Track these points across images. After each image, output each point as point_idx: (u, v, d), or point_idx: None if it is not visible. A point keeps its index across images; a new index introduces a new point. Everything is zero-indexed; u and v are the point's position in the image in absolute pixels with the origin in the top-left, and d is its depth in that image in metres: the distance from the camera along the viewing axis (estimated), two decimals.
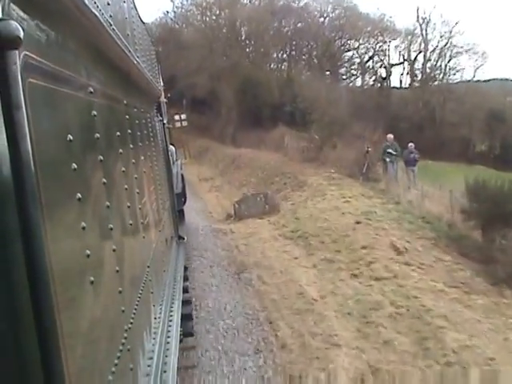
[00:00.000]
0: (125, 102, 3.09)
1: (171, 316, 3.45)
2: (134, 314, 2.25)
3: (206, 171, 23.02)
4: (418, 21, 30.97)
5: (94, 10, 1.83)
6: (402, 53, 32.02)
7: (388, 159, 15.44)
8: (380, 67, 32.68)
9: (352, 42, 32.93)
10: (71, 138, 1.55)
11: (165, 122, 8.11)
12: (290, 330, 6.73)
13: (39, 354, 1.08)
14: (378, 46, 32.35)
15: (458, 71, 31.20)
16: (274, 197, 14.22)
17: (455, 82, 31.21)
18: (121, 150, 2.59)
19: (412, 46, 31.68)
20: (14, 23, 0.99)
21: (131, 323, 2.11)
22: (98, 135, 1.99)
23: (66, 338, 1.18)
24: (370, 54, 32.79)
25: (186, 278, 6.22)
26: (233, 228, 12.60)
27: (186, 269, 6.69)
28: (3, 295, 1.06)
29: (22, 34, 0.99)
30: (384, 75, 32.24)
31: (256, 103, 27.45)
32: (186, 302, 5.26)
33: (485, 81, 32.16)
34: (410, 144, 15.87)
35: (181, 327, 3.87)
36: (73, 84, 1.69)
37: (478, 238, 10.15)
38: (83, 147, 1.75)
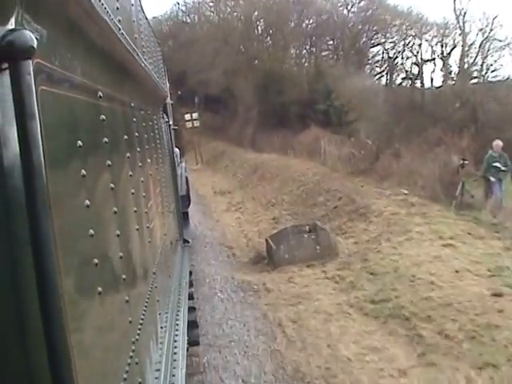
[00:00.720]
0: (132, 104, 3.07)
1: (177, 325, 3.41)
2: (141, 324, 2.21)
3: (222, 181, 19.08)
4: (454, 11, 28.50)
5: (104, 16, 1.82)
6: (434, 48, 29.57)
7: (492, 177, 11.18)
8: (410, 64, 30.17)
9: (379, 36, 30.81)
10: (81, 143, 1.53)
11: (171, 123, 8.14)
12: None
13: (48, 369, 1.05)
14: (407, 41, 30.17)
15: (496, 68, 28.09)
16: (328, 232, 9.55)
17: (495, 80, 27.78)
18: (128, 154, 2.57)
19: (445, 41, 29.12)
20: (27, 33, 0.97)
21: (138, 334, 2.08)
22: (106, 140, 1.97)
23: (76, 354, 1.15)
24: (399, 49, 30.53)
25: (190, 284, 6.15)
26: (268, 283, 8.24)
27: (190, 274, 6.64)
28: (12, 305, 1.03)
29: (35, 44, 0.98)
30: (416, 72, 29.82)
31: (280, 100, 24.35)
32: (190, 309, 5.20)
33: None
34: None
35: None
36: (83, 89, 1.68)
37: None
38: (92, 153, 1.74)
